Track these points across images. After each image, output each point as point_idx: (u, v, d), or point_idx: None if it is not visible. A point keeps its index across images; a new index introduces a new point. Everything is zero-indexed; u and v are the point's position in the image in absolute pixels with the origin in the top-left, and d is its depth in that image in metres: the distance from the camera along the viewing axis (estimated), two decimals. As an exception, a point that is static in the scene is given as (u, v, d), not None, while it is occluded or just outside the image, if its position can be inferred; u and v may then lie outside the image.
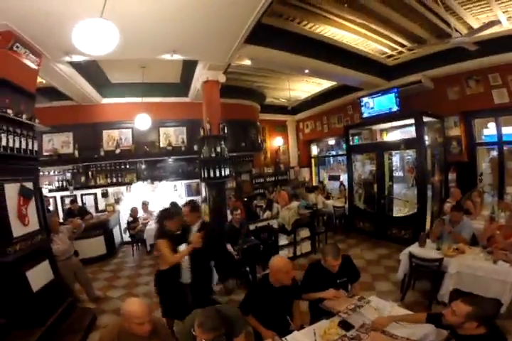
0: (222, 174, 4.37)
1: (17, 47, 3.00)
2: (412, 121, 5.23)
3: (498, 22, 3.65)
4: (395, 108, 5.70)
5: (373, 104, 6.19)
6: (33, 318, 2.71)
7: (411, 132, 5.40)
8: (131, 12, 2.69)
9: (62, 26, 2.73)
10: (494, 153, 5.30)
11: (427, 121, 5.23)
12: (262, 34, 3.88)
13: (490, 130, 5.30)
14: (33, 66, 3.30)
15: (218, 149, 4.37)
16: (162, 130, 6.47)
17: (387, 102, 5.86)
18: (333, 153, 9.11)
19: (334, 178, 8.58)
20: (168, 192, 6.89)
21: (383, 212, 5.70)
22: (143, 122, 5.05)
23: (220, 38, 3.55)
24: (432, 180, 5.36)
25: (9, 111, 2.64)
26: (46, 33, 3.01)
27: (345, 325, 1.82)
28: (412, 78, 5.62)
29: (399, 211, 5.64)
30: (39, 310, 2.79)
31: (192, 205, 2.93)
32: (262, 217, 5.61)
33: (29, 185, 2.95)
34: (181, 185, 7.07)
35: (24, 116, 2.83)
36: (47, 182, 6.08)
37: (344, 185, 7.27)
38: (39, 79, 3.85)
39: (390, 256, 4.70)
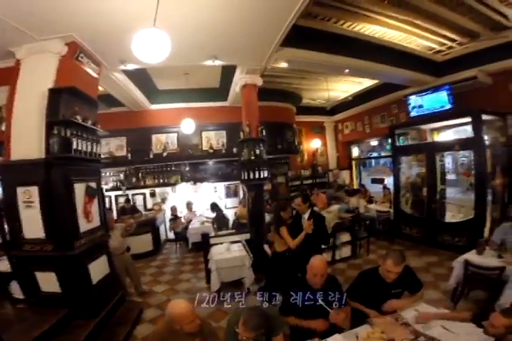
0: (262, 176, 4.46)
1: (81, 57, 3.23)
2: (467, 119, 4.78)
3: None
4: (448, 106, 5.29)
5: (422, 103, 5.82)
6: (89, 309, 2.88)
7: (466, 131, 4.93)
8: (180, 21, 2.82)
9: (118, 36, 2.90)
10: None
11: (486, 119, 4.71)
12: (297, 36, 3.89)
13: None
14: (95, 75, 3.58)
15: (257, 152, 4.47)
16: (204, 134, 6.78)
17: (438, 100, 5.48)
18: (376, 154, 8.67)
19: (377, 181, 8.14)
20: (209, 193, 7.18)
21: (434, 218, 5.27)
22: (188, 126, 5.38)
23: (257, 42, 3.63)
24: (492, 183, 4.82)
25: (78, 117, 2.91)
26: (105, 43, 3.19)
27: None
28: (466, 74, 5.12)
29: (452, 216, 5.17)
30: (96, 302, 2.97)
31: (303, 197, 3.32)
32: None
33: (93, 184, 3.23)
34: (221, 186, 7.31)
35: (89, 122, 3.09)
36: (103, 183, 6.75)
37: (388, 189, 6.86)
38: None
39: (440, 264, 4.37)
